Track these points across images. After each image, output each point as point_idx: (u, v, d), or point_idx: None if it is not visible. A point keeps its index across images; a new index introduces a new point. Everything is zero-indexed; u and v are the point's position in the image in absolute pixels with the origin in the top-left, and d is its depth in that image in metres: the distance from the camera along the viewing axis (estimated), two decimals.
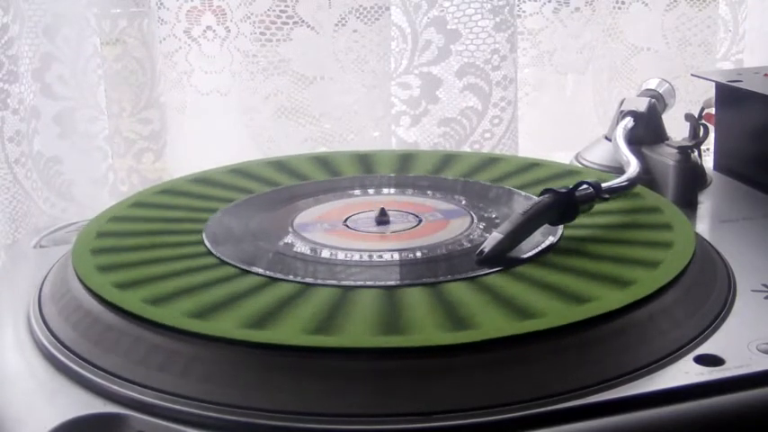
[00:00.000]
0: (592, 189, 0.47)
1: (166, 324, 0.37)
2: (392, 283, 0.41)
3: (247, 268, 0.43)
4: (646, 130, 0.59)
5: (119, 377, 0.36)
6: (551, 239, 0.45)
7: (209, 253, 0.45)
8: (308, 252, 0.45)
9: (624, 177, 0.50)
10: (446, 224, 0.48)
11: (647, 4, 0.81)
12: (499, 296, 0.39)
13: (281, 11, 0.70)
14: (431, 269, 0.43)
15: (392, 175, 0.57)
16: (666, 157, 0.56)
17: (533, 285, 0.40)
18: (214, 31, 0.72)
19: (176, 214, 0.51)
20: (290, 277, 0.42)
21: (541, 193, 0.46)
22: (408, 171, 0.58)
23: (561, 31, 0.81)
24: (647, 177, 0.55)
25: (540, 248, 0.44)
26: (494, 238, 0.43)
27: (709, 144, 0.61)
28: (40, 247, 0.52)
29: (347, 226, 0.49)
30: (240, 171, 0.58)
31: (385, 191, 0.55)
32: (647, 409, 0.34)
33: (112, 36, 0.69)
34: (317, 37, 0.71)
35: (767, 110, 0.59)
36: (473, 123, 0.76)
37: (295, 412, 0.33)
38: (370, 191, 0.55)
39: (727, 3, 0.85)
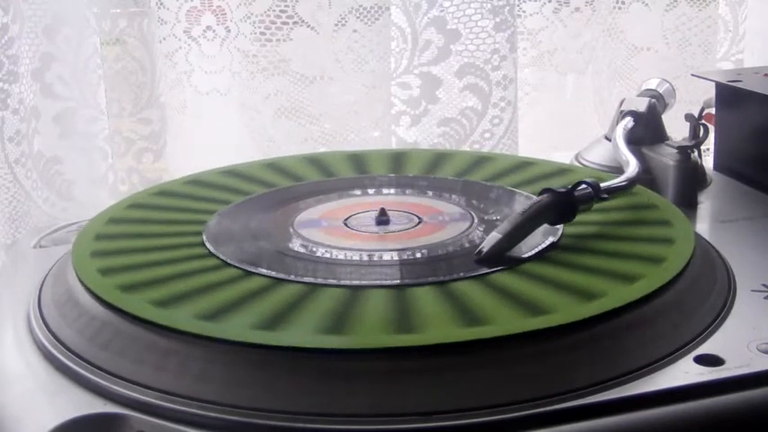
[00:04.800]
0: (591, 189, 0.46)
1: (166, 324, 0.37)
2: (392, 282, 0.41)
3: (248, 269, 0.43)
4: (646, 130, 0.59)
5: (119, 377, 0.36)
6: (552, 238, 0.45)
7: (210, 253, 0.45)
8: (308, 252, 0.45)
9: (623, 177, 0.50)
10: (446, 224, 0.49)
11: (647, 4, 0.81)
12: (499, 297, 0.39)
13: (281, 11, 0.70)
14: (431, 269, 0.43)
15: (392, 175, 0.57)
16: (666, 157, 0.56)
17: (532, 286, 0.40)
18: (214, 31, 0.72)
19: (176, 215, 0.51)
20: (292, 278, 0.42)
21: (540, 193, 0.46)
22: (402, 170, 0.58)
23: (561, 31, 0.81)
24: (647, 177, 0.55)
25: (542, 247, 0.44)
26: (492, 237, 0.43)
27: (709, 144, 0.61)
28: (40, 247, 0.52)
29: (347, 226, 0.49)
30: (240, 172, 0.58)
31: (385, 191, 0.55)
32: (647, 409, 0.34)
33: (112, 36, 0.69)
34: (317, 37, 0.71)
35: (767, 110, 0.59)
36: (473, 123, 0.76)
37: (295, 412, 0.33)
38: (371, 191, 0.55)
39: (727, 3, 0.85)
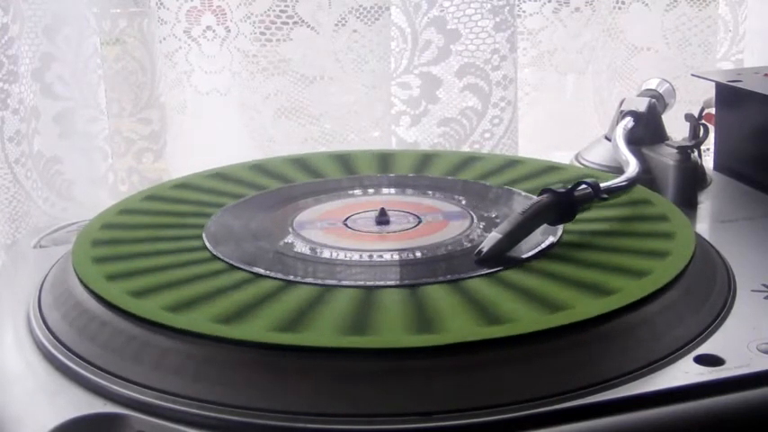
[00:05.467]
0: (590, 189, 0.46)
1: (167, 324, 0.37)
2: (392, 283, 0.41)
3: (248, 268, 0.43)
4: (646, 130, 0.59)
5: (119, 377, 0.36)
6: (552, 239, 0.45)
7: (210, 253, 0.45)
8: (308, 252, 0.45)
9: (623, 177, 0.50)
10: (446, 224, 0.48)
11: (647, 4, 0.81)
12: (498, 297, 0.39)
13: (281, 11, 0.70)
14: (430, 269, 0.43)
15: (392, 175, 0.57)
16: (666, 157, 0.56)
17: (532, 285, 0.40)
18: (214, 31, 0.72)
19: (177, 213, 0.51)
20: (291, 278, 0.42)
21: (540, 193, 0.46)
22: (421, 171, 0.58)
23: (561, 31, 0.81)
24: (647, 177, 0.55)
25: (543, 246, 0.44)
26: (492, 237, 0.43)
27: (709, 144, 0.61)
28: (40, 247, 0.52)
29: (347, 226, 0.49)
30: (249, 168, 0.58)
31: (385, 191, 0.55)
32: (647, 409, 0.34)
33: (112, 36, 0.69)
34: (317, 37, 0.71)
35: (767, 110, 0.59)
36: (473, 123, 0.76)
37: (295, 412, 0.33)
38: (371, 191, 0.55)
39: (727, 3, 0.85)
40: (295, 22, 0.70)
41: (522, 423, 0.33)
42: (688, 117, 0.57)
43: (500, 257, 0.43)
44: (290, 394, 0.34)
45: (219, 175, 0.57)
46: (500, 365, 0.35)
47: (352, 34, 0.72)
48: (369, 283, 0.41)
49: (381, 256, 0.45)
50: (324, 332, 0.37)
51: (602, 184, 0.47)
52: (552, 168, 0.57)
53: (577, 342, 0.36)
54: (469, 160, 0.60)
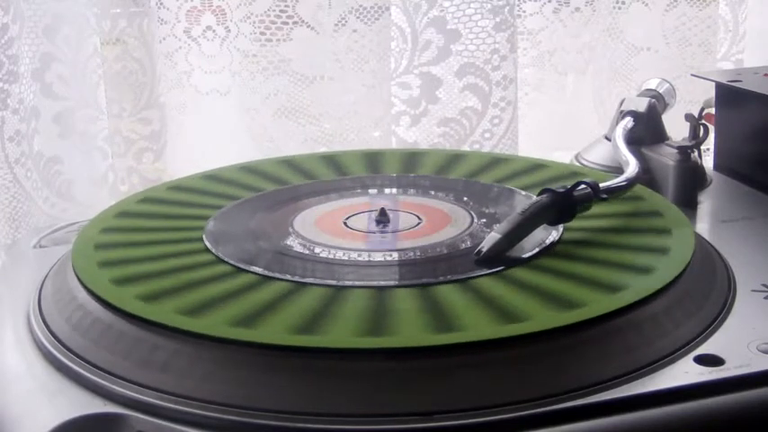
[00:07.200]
0: (590, 189, 0.47)
1: (166, 324, 0.37)
2: (392, 283, 0.41)
3: (247, 268, 0.43)
4: (646, 130, 0.59)
5: (119, 377, 0.36)
6: (552, 238, 0.45)
7: (210, 253, 0.45)
8: (308, 252, 0.45)
9: (623, 177, 0.50)
10: (446, 224, 0.48)
11: (647, 4, 0.81)
12: (498, 297, 0.39)
13: (280, 11, 0.70)
14: (430, 269, 0.43)
15: (393, 175, 0.57)
16: (666, 157, 0.56)
17: (533, 285, 0.40)
18: (214, 30, 0.72)
19: (176, 213, 0.51)
20: (288, 277, 0.42)
21: (540, 193, 0.46)
22: (413, 171, 0.58)
23: (561, 31, 0.81)
24: (647, 177, 0.55)
25: (543, 247, 0.44)
26: (492, 238, 0.43)
27: (709, 144, 0.61)
28: (40, 247, 0.52)
29: (347, 226, 0.49)
30: (247, 169, 0.58)
31: (386, 191, 0.55)
32: (647, 409, 0.34)
33: (112, 36, 0.69)
34: (317, 37, 0.71)
35: (767, 110, 0.59)
36: (473, 123, 0.76)
37: (295, 412, 0.33)
38: (371, 191, 0.55)
39: (727, 3, 0.85)
40: (295, 22, 0.70)
41: (522, 423, 0.33)
42: (688, 117, 0.57)
43: (499, 257, 0.43)
44: (290, 394, 0.34)
45: (213, 176, 0.57)
46: (500, 365, 0.35)
47: (352, 34, 0.72)
48: (370, 284, 0.41)
49: (381, 257, 0.45)
50: (324, 333, 0.37)
51: (601, 184, 0.47)
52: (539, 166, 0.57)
53: (577, 342, 0.36)
54: (455, 159, 0.60)
